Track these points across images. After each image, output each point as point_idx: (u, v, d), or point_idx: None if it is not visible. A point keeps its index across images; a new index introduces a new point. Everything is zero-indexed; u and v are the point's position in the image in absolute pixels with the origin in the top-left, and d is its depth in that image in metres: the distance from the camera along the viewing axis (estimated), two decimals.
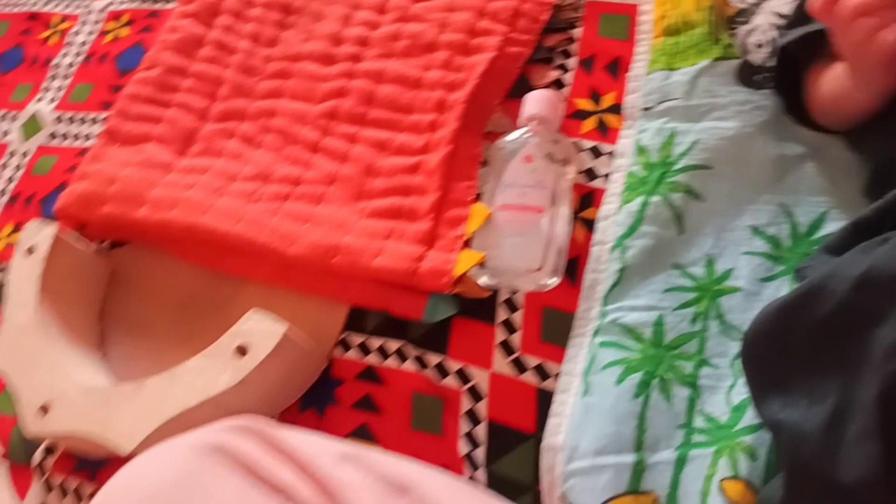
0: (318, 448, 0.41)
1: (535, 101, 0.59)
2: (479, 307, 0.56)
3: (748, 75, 0.58)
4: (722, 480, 0.44)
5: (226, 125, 0.69)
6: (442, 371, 0.55)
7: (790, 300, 0.40)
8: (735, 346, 0.48)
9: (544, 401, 0.52)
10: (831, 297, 0.36)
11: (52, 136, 0.78)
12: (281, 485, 0.38)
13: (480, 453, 0.52)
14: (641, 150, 0.56)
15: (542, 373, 0.53)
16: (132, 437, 0.51)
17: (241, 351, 0.52)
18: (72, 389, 0.55)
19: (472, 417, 0.53)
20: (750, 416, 0.45)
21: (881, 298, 0.34)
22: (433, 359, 0.55)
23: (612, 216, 0.55)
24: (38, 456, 0.61)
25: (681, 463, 0.45)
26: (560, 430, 0.49)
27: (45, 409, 0.55)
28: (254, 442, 0.40)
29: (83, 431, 0.52)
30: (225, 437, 0.41)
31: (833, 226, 0.50)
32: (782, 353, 0.40)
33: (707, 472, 0.44)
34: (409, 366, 0.55)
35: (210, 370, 0.53)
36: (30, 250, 0.61)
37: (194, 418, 0.52)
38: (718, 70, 0.58)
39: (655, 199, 0.53)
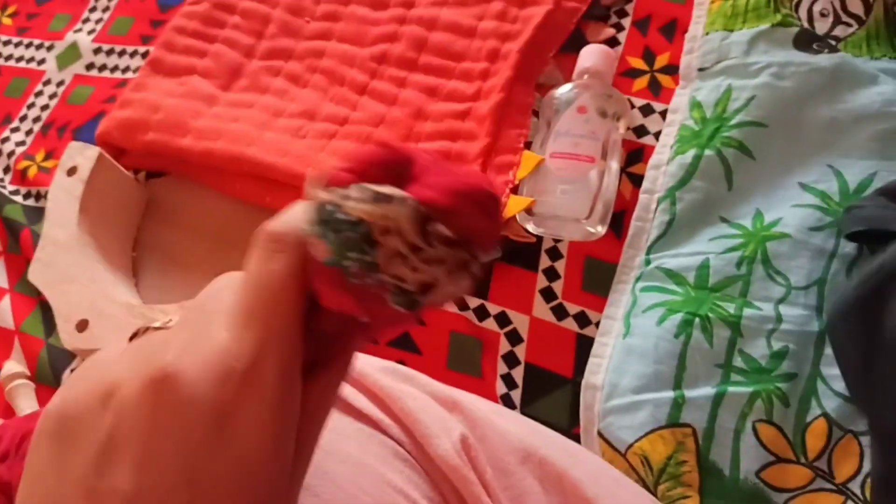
0: (366, 363, 0.46)
1: (591, 55, 0.64)
2: (521, 254, 0.60)
3: (807, 43, 0.62)
4: (756, 422, 0.48)
5: (272, 63, 0.73)
6: (482, 314, 0.59)
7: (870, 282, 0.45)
8: (779, 291, 0.53)
9: (583, 347, 0.57)
10: None
11: (89, 66, 0.82)
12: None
13: (517, 395, 0.56)
14: (696, 105, 0.61)
15: (582, 320, 0.57)
16: None
17: None
18: (112, 306, 0.59)
19: (510, 360, 0.57)
20: (787, 365, 0.50)
21: None
22: (473, 301, 0.60)
23: (663, 166, 0.59)
24: (66, 377, 0.65)
25: (718, 399, 0.50)
26: (600, 369, 0.53)
27: (83, 325, 0.59)
28: None
29: None
30: None
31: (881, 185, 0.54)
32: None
33: (742, 410, 0.49)
34: (449, 306, 0.60)
35: None
36: (71, 171, 0.66)
37: None
38: (776, 35, 0.63)
39: (709, 152, 0.58)
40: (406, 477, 0.39)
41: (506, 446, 0.42)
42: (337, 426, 0.41)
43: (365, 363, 0.45)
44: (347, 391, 0.43)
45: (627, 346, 0.53)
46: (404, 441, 0.41)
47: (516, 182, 0.61)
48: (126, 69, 0.81)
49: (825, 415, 0.48)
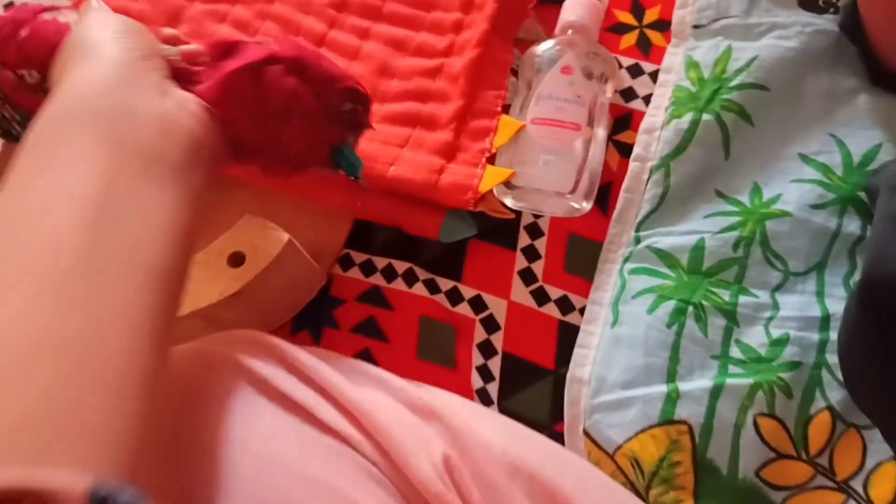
0: (330, 362, 0.41)
1: (576, 6, 0.59)
2: (498, 230, 0.56)
3: (813, 0, 0.57)
4: (757, 415, 0.45)
5: (216, 7, 0.66)
6: (455, 297, 0.55)
7: None
8: (776, 277, 0.50)
9: (566, 335, 0.53)
10: None
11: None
12: (300, 402, 0.37)
13: (493, 389, 0.52)
14: (693, 65, 0.56)
15: (564, 305, 0.53)
16: None
17: (235, 259, 0.51)
18: None
19: (487, 349, 0.53)
20: (789, 353, 0.47)
21: None
22: (445, 283, 0.55)
23: (656, 131, 0.55)
24: None
25: (717, 391, 0.47)
26: (586, 361, 0.50)
27: None
28: (264, 357, 0.40)
29: None
30: (230, 349, 0.40)
31: (888, 158, 0.51)
32: None
33: (742, 402, 0.46)
34: (419, 289, 0.55)
35: (200, 279, 0.51)
36: None
37: (180, 331, 0.51)
38: None
39: (707, 117, 0.53)
40: (381, 502, 0.35)
41: (491, 460, 0.38)
42: (300, 440, 0.37)
43: (329, 362, 0.41)
44: (312, 400, 0.38)
45: (616, 335, 0.50)
46: (378, 461, 0.36)
47: (493, 150, 0.56)
48: (52, 9, 0.72)
49: (830, 408, 0.46)
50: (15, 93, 0.45)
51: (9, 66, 0.44)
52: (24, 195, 0.30)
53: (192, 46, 0.42)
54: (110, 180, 0.31)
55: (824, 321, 0.48)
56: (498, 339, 0.53)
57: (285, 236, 0.51)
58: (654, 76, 0.59)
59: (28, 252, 0.28)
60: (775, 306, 0.49)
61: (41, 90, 0.43)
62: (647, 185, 0.54)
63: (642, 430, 0.46)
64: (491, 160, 0.56)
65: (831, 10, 0.57)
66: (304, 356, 0.40)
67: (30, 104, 0.45)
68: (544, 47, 0.58)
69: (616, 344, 0.49)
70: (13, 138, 0.47)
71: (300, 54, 0.41)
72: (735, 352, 0.48)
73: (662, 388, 0.47)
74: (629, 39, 0.61)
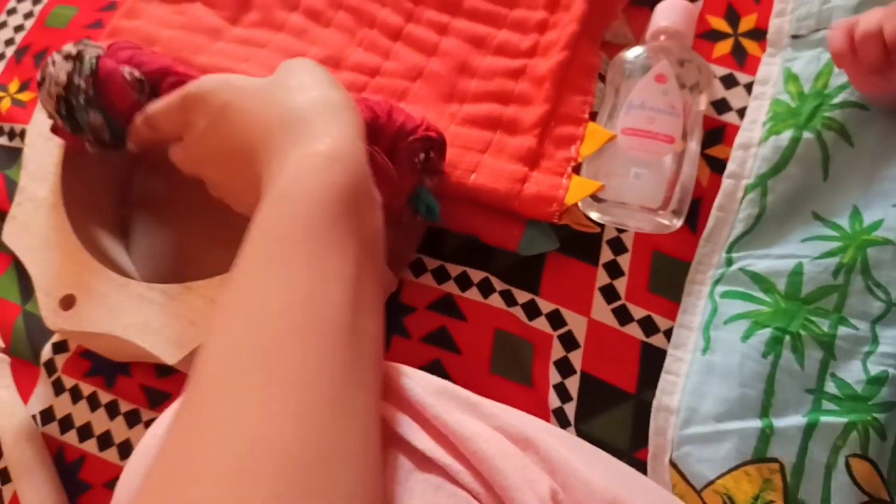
0: (419, 383, 0.39)
1: (670, 11, 0.56)
2: (578, 244, 0.54)
3: None
4: (849, 456, 0.43)
5: None
6: (532, 311, 0.53)
7: None
8: (878, 307, 0.48)
9: (649, 358, 0.51)
10: None
11: None
12: (395, 431, 0.35)
13: (570, 409, 0.50)
14: (792, 78, 0.54)
15: (648, 326, 0.51)
16: (180, 345, 0.48)
17: None
18: (102, 282, 0.51)
19: (564, 367, 0.51)
20: (886, 392, 0.45)
21: None
22: (522, 296, 0.53)
23: (753, 147, 0.53)
24: (46, 352, 0.58)
25: (810, 429, 0.44)
26: (675, 389, 0.48)
27: (69, 302, 0.51)
28: None
29: (119, 332, 0.50)
30: None
31: None
32: None
33: (835, 442, 0.44)
34: (495, 300, 0.53)
35: None
36: None
37: None
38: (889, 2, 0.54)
39: (808, 134, 0.51)
40: None
41: (593, 499, 0.36)
42: (398, 476, 0.35)
43: (418, 383, 0.39)
44: (405, 427, 0.36)
45: (708, 363, 0.47)
46: (480, 492, 0.35)
47: (580, 160, 0.54)
48: None
49: None
50: (109, 76, 0.48)
51: (117, 60, 0.49)
52: (295, 275, 0.32)
53: None
54: (360, 270, 0.33)
55: None
56: (577, 358, 0.51)
57: None
58: (748, 88, 0.56)
59: (303, 334, 0.29)
60: (875, 340, 0.47)
61: (133, 88, 0.48)
62: (741, 203, 0.51)
63: (736, 467, 0.44)
64: (576, 170, 0.54)
65: None
66: (394, 373, 0.38)
67: (117, 97, 0.48)
68: (635, 53, 0.55)
69: (708, 373, 0.47)
70: (66, 116, 0.50)
71: (370, 117, 0.44)
72: (830, 387, 0.46)
73: (757, 424, 0.45)
74: (723, 47, 0.58)
